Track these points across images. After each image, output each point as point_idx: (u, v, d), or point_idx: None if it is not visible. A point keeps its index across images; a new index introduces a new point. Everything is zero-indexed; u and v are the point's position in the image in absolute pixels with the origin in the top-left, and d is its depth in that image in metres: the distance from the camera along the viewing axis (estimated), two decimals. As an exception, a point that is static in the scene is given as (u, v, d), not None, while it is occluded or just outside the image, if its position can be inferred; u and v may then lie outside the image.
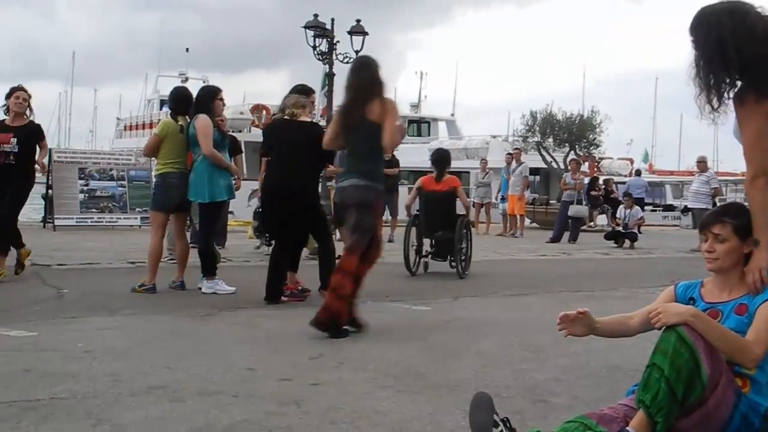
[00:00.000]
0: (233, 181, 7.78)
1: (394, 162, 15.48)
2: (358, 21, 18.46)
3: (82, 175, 15.31)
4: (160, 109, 32.04)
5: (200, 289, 7.38)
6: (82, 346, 4.95)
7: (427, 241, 9.80)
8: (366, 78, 5.65)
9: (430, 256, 9.77)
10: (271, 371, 4.47)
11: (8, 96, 8.00)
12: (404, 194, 16.62)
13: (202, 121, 7.20)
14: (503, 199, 18.39)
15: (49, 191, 15.23)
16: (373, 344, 5.32)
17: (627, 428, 2.86)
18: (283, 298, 6.99)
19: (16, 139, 7.77)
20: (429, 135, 38.88)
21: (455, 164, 31.88)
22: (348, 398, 3.93)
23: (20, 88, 8.12)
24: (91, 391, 3.93)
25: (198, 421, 3.49)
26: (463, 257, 9.45)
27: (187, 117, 7.48)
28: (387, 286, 8.32)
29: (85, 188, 15.27)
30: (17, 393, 3.82)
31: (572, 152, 30.06)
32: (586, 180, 19.43)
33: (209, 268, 7.38)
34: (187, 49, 41.36)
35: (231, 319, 6.17)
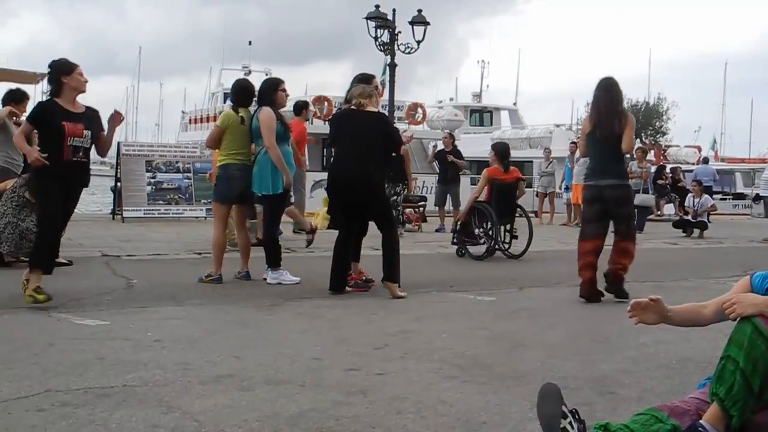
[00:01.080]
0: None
1: (458, 153, 15.45)
2: (420, 11, 18.38)
3: (149, 168, 15.60)
4: (224, 102, 32.44)
5: (265, 279, 7.45)
6: (152, 335, 5.06)
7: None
8: (613, 96, 6.89)
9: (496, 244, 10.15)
10: (337, 361, 4.49)
11: (65, 72, 6.11)
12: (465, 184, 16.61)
13: (266, 114, 7.27)
14: (567, 188, 18.11)
15: (118, 184, 15.59)
16: (437, 335, 5.30)
17: (700, 422, 2.79)
18: (347, 288, 7.02)
19: (89, 132, 6.15)
20: (491, 125, 38.58)
21: (517, 153, 31.63)
22: (414, 388, 3.93)
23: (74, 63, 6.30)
24: (162, 379, 4.01)
25: (266, 409, 3.52)
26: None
27: (250, 109, 7.56)
28: (450, 276, 8.30)
29: (152, 180, 15.55)
30: (92, 380, 3.93)
31: (638, 140, 29.48)
32: (653, 168, 19.01)
33: (274, 259, 7.45)
34: (250, 42, 42.14)
35: (296, 309, 6.23)
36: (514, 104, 43.03)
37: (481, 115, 39.46)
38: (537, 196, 19.36)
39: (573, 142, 18.86)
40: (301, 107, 12.74)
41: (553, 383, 3.05)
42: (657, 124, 30.57)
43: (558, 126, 33.13)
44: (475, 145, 26.89)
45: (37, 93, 23.74)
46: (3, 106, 9.13)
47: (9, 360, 4.29)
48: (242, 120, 7.43)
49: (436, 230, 14.30)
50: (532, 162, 27.42)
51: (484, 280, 8.12)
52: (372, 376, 4.18)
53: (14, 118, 8.69)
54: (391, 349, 4.85)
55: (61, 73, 6.11)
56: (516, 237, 10.56)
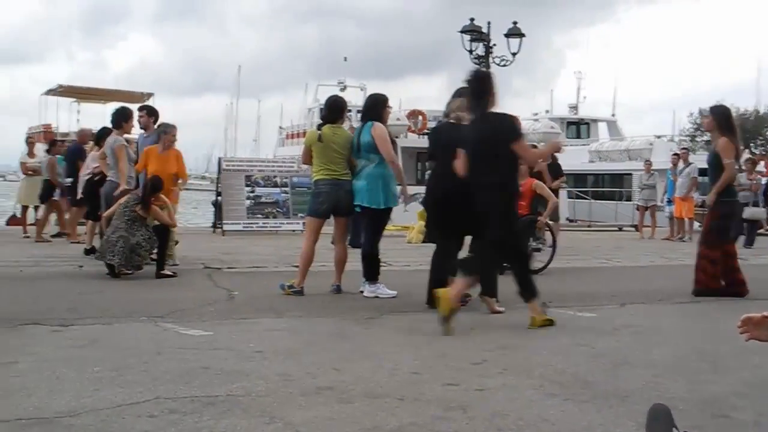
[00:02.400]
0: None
1: (557, 167, 15.13)
2: (515, 23, 18.29)
3: (248, 183, 15.98)
4: (320, 118, 33.03)
5: (362, 292, 7.51)
6: (254, 345, 5.16)
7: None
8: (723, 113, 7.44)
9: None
10: (436, 375, 4.47)
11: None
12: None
13: (380, 129, 7.39)
14: (670, 201, 17.57)
15: (219, 198, 16.03)
16: (537, 351, 5.21)
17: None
18: (444, 302, 6.97)
19: None
20: (588, 137, 37.82)
21: (616, 166, 30.80)
22: (514, 405, 3.87)
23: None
24: (264, 389, 4.08)
25: (366, 422, 3.54)
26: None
27: (345, 125, 7.69)
28: (548, 291, 8.14)
29: (251, 195, 15.93)
30: (198, 389, 4.03)
31: (747, 151, 28.34)
32: (764, 180, 18.21)
33: (372, 272, 7.50)
34: (345, 58, 42.40)
35: (393, 323, 6.24)
36: (613, 115, 42.05)
37: (578, 127, 38.74)
38: (637, 209, 18.83)
39: (675, 154, 18.30)
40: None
41: (662, 404, 2.96)
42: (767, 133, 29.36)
43: (659, 137, 32.22)
44: (572, 157, 26.34)
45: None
46: (114, 123, 9.55)
47: (121, 367, 4.46)
48: (319, 137, 7.54)
49: None
50: (631, 174, 26.76)
51: (583, 295, 7.95)
52: (471, 392, 4.14)
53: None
54: (490, 365, 4.79)
55: None
56: (539, 250, 10.07)
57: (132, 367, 4.46)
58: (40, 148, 15.09)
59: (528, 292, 6.20)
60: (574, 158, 26.03)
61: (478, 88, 6.32)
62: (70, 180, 12.48)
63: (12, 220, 20.33)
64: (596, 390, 4.21)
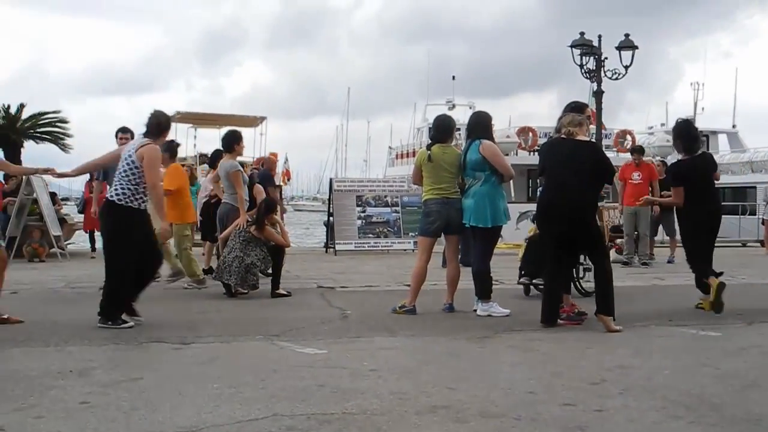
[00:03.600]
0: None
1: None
2: (627, 35, 17.83)
3: (360, 203, 16.18)
4: (429, 137, 33.14)
5: (475, 311, 7.44)
6: (368, 364, 5.18)
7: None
8: None
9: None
10: (553, 395, 4.37)
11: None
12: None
13: (491, 147, 7.37)
14: (798, 215, 16.65)
15: (331, 218, 16.28)
16: (658, 371, 5.01)
17: None
18: (559, 321, 6.83)
19: None
20: (708, 149, 36.36)
21: (738, 179, 29.44)
22: (636, 426, 3.74)
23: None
24: (379, 408, 4.08)
25: (482, 442, 3.48)
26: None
27: (455, 144, 7.68)
28: (669, 309, 7.85)
29: (362, 215, 16.11)
30: (314, 406, 4.08)
31: None
32: None
33: (485, 291, 7.42)
34: (454, 77, 42.33)
35: (507, 342, 6.14)
36: (734, 126, 40.32)
37: (696, 140, 37.33)
38: (763, 224, 17.93)
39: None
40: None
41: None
42: None
43: (784, 148, 30.66)
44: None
45: (256, 135, 25.43)
46: (225, 147, 9.85)
47: (239, 384, 4.57)
48: (429, 157, 7.55)
49: (667, 261, 13.47)
50: (755, 187, 25.55)
51: (706, 313, 7.60)
52: (590, 413, 4.02)
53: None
54: (609, 385, 4.64)
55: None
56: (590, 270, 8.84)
57: (250, 385, 4.55)
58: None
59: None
60: (692, 172, 25.03)
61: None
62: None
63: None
64: (724, 413, 4.01)
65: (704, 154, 8.33)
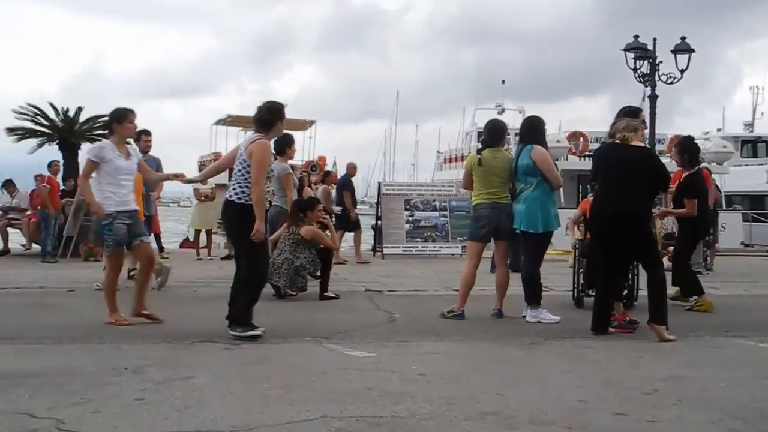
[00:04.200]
0: None
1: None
2: (683, 38, 17.53)
3: (408, 207, 16.17)
4: (477, 141, 32.97)
5: (524, 317, 7.38)
6: (416, 368, 5.17)
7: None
8: None
9: None
10: (604, 404, 4.31)
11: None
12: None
13: (541, 153, 7.31)
14: None
15: (378, 222, 16.31)
16: (714, 382, 4.91)
17: None
18: (610, 329, 6.74)
19: None
20: (766, 155, 35.51)
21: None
22: (691, 439, 3.66)
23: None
24: (428, 412, 4.07)
25: (533, 450, 3.45)
26: None
27: (505, 149, 7.65)
28: (724, 319, 7.69)
29: (410, 218, 16.10)
30: (363, 409, 4.09)
31: None
32: None
33: (534, 297, 7.36)
34: (503, 81, 42.08)
35: (557, 349, 6.08)
36: (795, 132, 39.31)
37: (754, 146, 36.34)
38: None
39: None
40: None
41: None
42: None
43: None
44: (747, 178, 24.89)
45: (305, 138, 25.59)
46: (277, 150, 9.93)
47: (289, 385, 4.60)
48: (480, 161, 7.51)
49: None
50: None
51: (762, 324, 7.42)
52: (643, 423, 3.96)
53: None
54: (663, 395, 4.56)
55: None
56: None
57: (299, 386, 4.58)
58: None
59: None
60: (750, 179, 24.53)
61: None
62: (339, 208, 14.19)
63: (185, 243, 21.59)
64: (784, 427, 3.91)
65: (700, 168, 8.81)
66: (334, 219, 13.83)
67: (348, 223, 14.32)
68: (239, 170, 6.42)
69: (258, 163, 6.30)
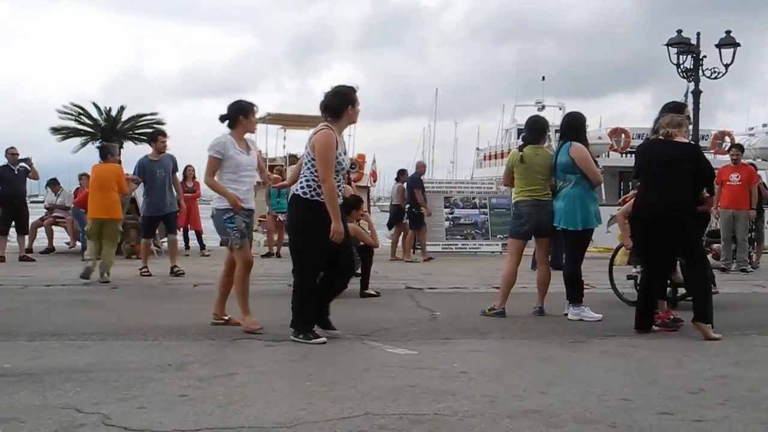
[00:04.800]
0: None
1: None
2: (728, 32, 17.21)
3: (447, 204, 16.16)
4: (517, 138, 32.76)
5: (566, 315, 7.32)
6: (458, 366, 5.16)
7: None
8: None
9: None
10: (649, 403, 4.25)
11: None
12: None
13: (580, 150, 7.25)
14: None
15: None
16: (762, 382, 4.82)
17: None
18: (654, 327, 6.65)
19: None
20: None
21: None
22: (739, 439, 3.60)
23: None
24: (470, 410, 4.06)
25: (577, 449, 3.42)
26: None
27: (546, 145, 7.59)
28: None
29: (450, 216, 16.09)
30: (405, 406, 4.09)
31: None
32: None
33: (576, 295, 7.30)
34: (543, 78, 41.74)
35: (600, 347, 6.02)
36: (839, 128, 38.40)
37: (801, 142, 35.66)
38: None
39: None
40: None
41: None
42: None
43: None
44: (793, 174, 24.28)
45: (345, 136, 25.67)
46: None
47: (332, 382, 4.62)
48: (521, 158, 7.46)
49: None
50: None
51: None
52: (689, 423, 3.90)
53: None
54: (709, 395, 4.49)
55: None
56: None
57: (341, 383, 4.60)
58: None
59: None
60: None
61: None
62: (407, 206, 14.35)
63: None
64: (835, 428, 3.82)
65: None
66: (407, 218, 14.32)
67: (417, 220, 14.29)
68: (305, 163, 6.04)
69: (320, 157, 5.87)
